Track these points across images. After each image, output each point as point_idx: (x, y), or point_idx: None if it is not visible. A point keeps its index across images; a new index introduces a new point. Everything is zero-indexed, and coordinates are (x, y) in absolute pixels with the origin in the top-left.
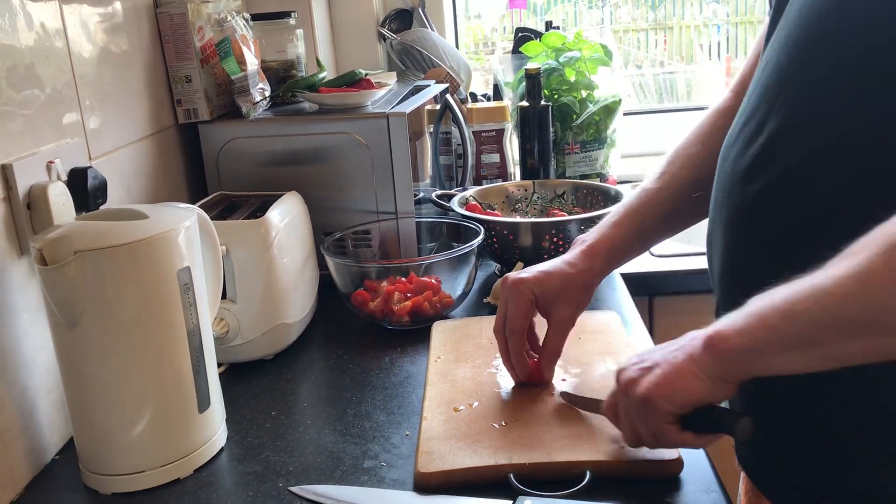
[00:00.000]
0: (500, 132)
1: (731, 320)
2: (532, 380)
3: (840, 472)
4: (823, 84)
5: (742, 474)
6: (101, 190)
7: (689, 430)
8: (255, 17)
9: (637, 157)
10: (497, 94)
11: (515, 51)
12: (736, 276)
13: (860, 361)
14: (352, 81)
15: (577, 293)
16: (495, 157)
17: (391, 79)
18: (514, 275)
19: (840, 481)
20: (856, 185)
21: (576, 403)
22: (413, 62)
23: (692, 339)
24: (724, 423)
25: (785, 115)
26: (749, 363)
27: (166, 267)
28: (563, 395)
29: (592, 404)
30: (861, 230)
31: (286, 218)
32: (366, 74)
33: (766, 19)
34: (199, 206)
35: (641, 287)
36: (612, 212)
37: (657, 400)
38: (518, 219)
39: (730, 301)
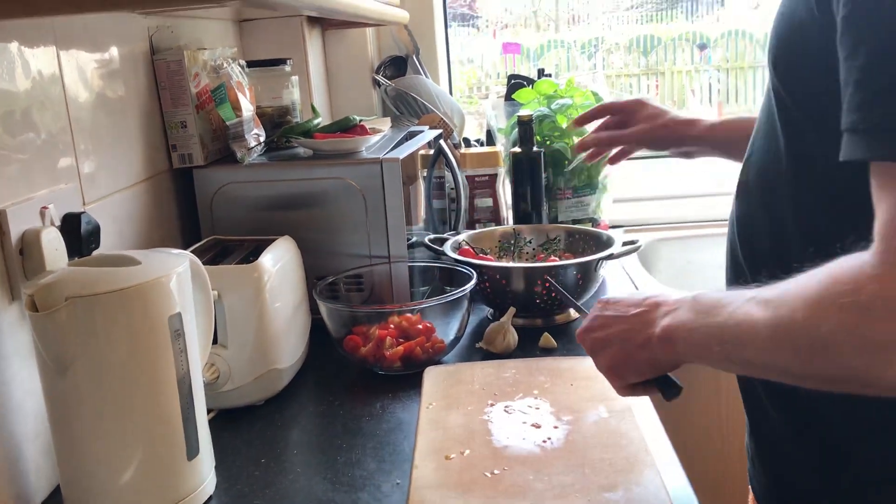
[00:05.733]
0: (493, 177)
1: (685, 320)
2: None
3: (839, 489)
4: (761, 119)
5: (750, 495)
6: (95, 235)
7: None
8: (250, 64)
9: (629, 201)
10: (490, 139)
11: (508, 97)
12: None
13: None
14: (346, 127)
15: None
16: (488, 202)
17: (385, 124)
18: None
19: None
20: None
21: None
22: (407, 108)
23: (649, 325)
24: (660, 386)
25: (750, 145)
26: (691, 360)
27: (157, 313)
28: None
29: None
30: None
31: (279, 263)
32: (360, 120)
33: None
34: (192, 251)
35: None
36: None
37: (610, 377)
38: (510, 263)
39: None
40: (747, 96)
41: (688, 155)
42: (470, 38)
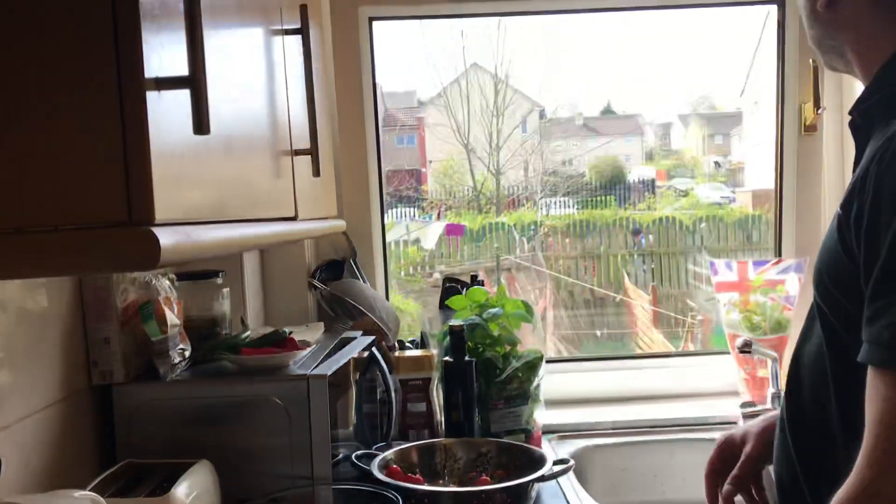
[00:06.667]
0: (427, 381)
1: None
2: None
3: None
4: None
5: None
6: None
7: None
8: (182, 277)
9: (563, 404)
10: (424, 342)
11: (443, 303)
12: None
13: None
14: (275, 341)
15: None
16: (422, 406)
17: (318, 330)
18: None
19: None
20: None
21: None
22: (343, 309)
23: None
24: None
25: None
26: None
27: None
28: None
29: None
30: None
31: (194, 492)
32: (290, 333)
33: None
34: (103, 478)
35: None
36: None
37: None
38: (439, 487)
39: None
40: (680, 280)
41: None
42: (415, 220)
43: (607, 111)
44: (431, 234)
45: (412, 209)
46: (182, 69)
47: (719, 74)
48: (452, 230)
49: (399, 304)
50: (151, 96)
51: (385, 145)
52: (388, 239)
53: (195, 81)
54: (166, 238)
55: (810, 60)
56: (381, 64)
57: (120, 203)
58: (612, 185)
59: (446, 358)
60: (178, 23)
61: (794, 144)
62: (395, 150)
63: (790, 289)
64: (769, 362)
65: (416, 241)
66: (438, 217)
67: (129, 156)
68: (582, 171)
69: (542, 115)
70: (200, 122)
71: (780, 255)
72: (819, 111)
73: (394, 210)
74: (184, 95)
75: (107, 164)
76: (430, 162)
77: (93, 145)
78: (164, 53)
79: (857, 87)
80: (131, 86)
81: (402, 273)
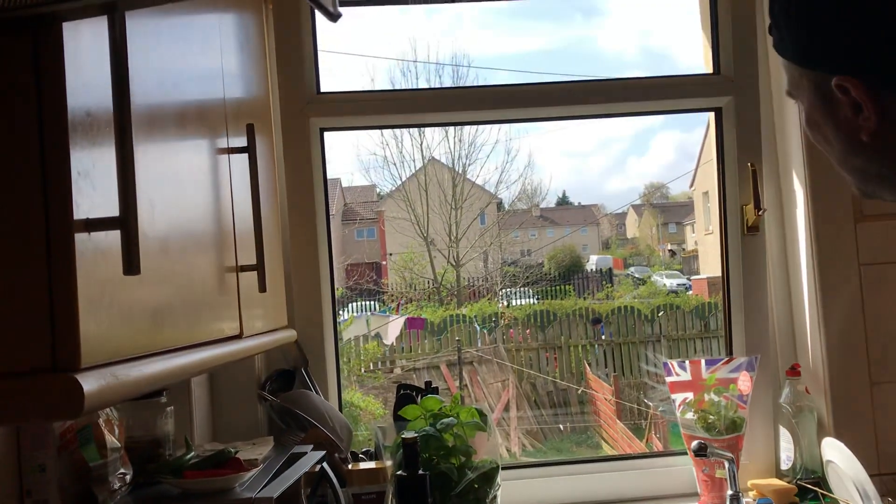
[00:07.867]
0: (382, 494)
1: None
2: None
3: None
4: None
5: None
6: None
7: None
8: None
9: None
10: (379, 453)
11: (396, 412)
12: None
13: None
14: (220, 462)
15: None
16: None
17: (267, 446)
18: None
19: None
20: None
21: None
22: (294, 420)
23: None
24: None
25: None
26: None
27: None
28: None
29: None
30: None
31: None
32: (236, 452)
33: None
34: None
35: None
36: None
37: None
38: None
39: None
40: (641, 370)
41: None
42: (375, 314)
43: (563, 202)
44: (392, 329)
45: (372, 302)
46: (113, 208)
47: (670, 166)
48: (413, 324)
49: (359, 402)
50: (80, 238)
51: (345, 238)
52: (348, 335)
53: (126, 223)
54: (91, 384)
55: (749, 164)
56: (341, 159)
57: (44, 348)
58: (571, 274)
59: (399, 472)
60: (110, 163)
61: (737, 245)
62: (355, 244)
63: (743, 387)
64: (726, 463)
65: (377, 336)
66: (398, 310)
67: (56, 300)
68: (540, 261)
69: (499, 207)
70: (131, 263)
71: (730, 353)
72: (760, 213)
73: (353, 304)
74: (114, 234)
75: (32, 309)
76: (391, 255)
77: (18, 289)
78: (95, 196)
79: (798, 191)
80: (59, 230)
81: (363, 369)
